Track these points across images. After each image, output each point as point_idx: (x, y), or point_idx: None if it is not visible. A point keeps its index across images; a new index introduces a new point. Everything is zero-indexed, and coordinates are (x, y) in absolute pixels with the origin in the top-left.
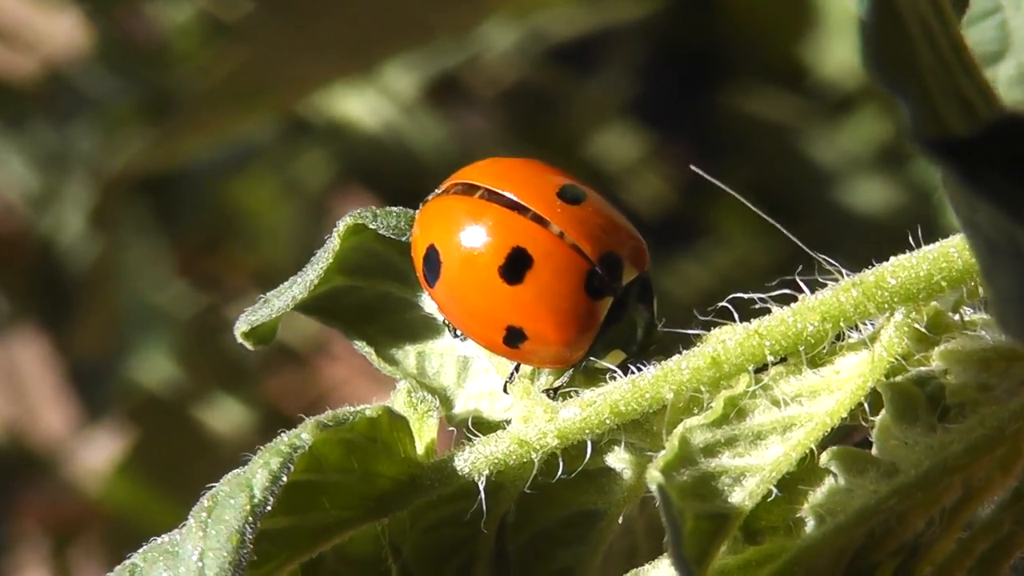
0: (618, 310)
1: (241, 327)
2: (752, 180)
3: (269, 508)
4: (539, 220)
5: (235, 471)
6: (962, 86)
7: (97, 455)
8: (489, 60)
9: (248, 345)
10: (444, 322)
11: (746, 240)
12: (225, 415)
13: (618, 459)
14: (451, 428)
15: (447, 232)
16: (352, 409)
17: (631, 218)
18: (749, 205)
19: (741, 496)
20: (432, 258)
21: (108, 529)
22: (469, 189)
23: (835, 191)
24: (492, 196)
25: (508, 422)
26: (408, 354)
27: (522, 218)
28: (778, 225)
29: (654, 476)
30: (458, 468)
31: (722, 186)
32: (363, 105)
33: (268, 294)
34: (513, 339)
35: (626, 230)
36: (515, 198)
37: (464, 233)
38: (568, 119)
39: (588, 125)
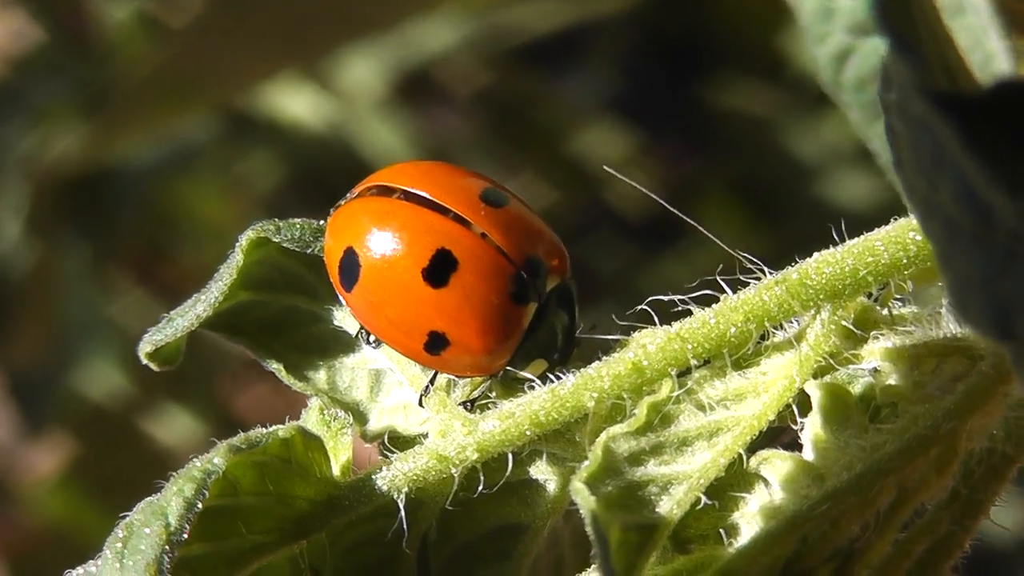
0: (540, 317)
1: (145, 348)
2: (738, 175)
3: (185, 536)
4: (462, 221)
5: (148, 499)
6: (947, 55)
7: (39, 468)
8: (464, 56)
9: (153, 366)
10: (359, 331)
11: (731, 238)
12: (173, 424)
13: (540, 471)
14: (368, 445)
15: (366, 234)
16: (264, 431)
17: (616, 219)
18: (677, 211)
19: (669, 505)
20: (349, 262)
21: (48, 547)
22: (386, 191)
23: (818, 184)
24: (411, 197)
25: (425, 436)
26: (318, 369)
27: (446, 219)
28: (701, 228)
29: (578, 488)
30: (376, 486)
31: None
32: (311, 103)
33: (172, 312)
34: (435, 346)
35: (548, 236)
36: (436, 199)
37: (385, 235)
38: (549, 117)
39: (570, 123)
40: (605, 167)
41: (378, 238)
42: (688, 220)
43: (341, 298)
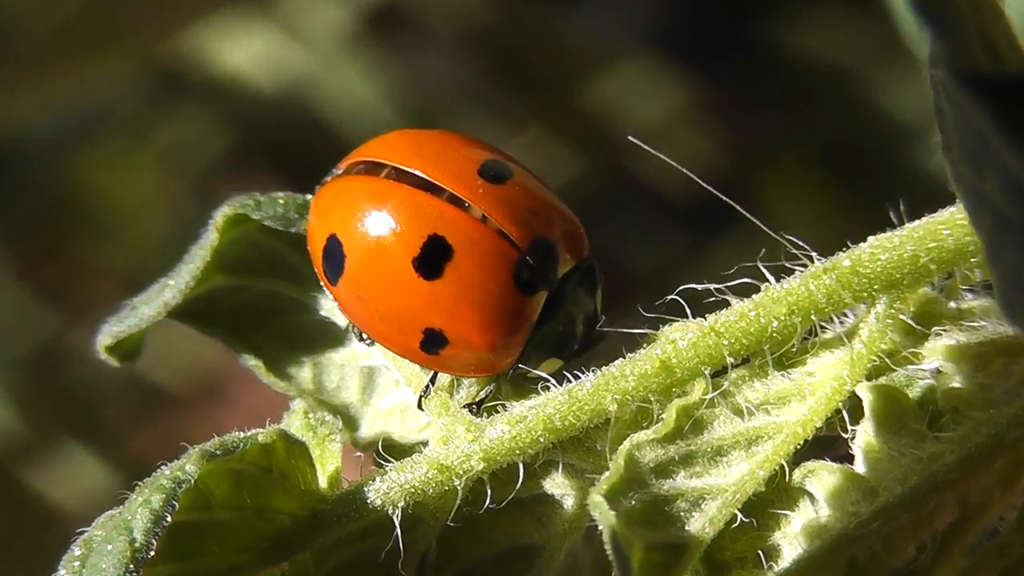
0: (553, 307)
1: (104, 340)
2: (817, 137)
3: (152, 553)
4: (458, 202)
5: (109, 512)
6: (990, 31)
7: None
8: None
9: (113, 361)
10: (348, 326)
11: (807, 219)
12: (74, 475)
13: (556, 484)
14: (358, 453)
15: (350, 219)
16: (241, 435)
17: (650, 193)
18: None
19: (700, 523)
20: (333, 251)
21: None
22: (374, 168)
23: (918, 151)
24: (402, 176)
25: (424, 444)
26: (303, 366)
27: (438, 200)
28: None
29: (597, 502)
30: (368, 500)
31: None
32: (259, 50)
33: (135, 300)
34: (431, 344)
35: (560, 211)
36: (429, 177)
37: (371, 220)
38: (563, 60)
39: (592, 68)
40: (631, 138)
41: (364, 223)
42: (733, 204)
43: (327, 291)
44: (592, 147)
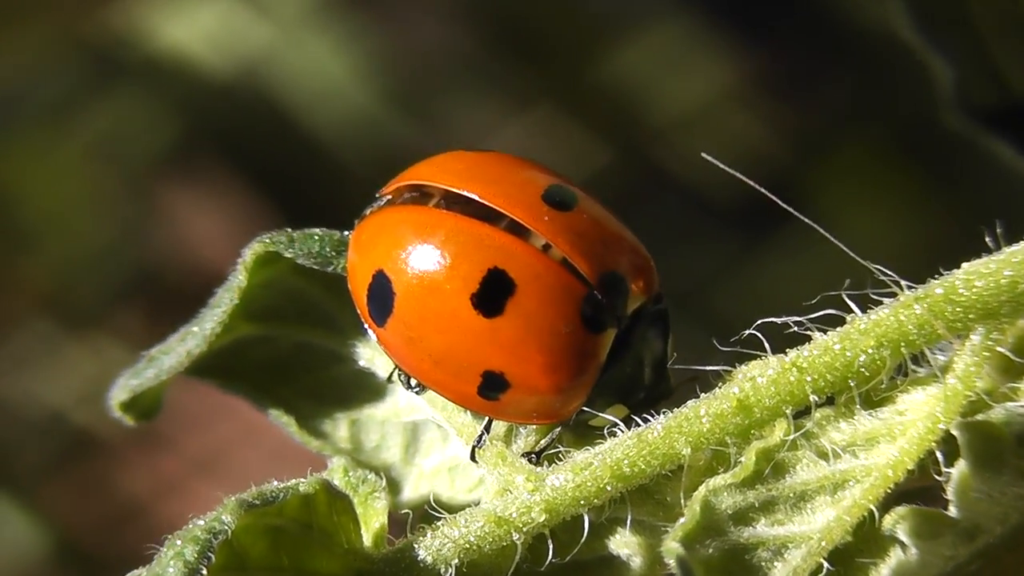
0: (621, 347)
1: (119, 395)
2: (895, 120)
3: None
4: (519, 232)
5: (136, 571)
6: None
7: None
8: None
9: (128, 420)
10: (394, 373)
11: (884, 217)
12: None
13: (623, 542)
14: (405, 510)
15: (400, 253)
16: (281, 485)
17: (687, 192)
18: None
19: (784, 572)
20: (380, 288)
21: None
22: (424, 195)
23: None
24: (456, 202)
25: (476, 504)
26: (338, 423)
27: (497, 231)
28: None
29: (671, 548)
30: (419, 558)
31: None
32: (209, 23)
33: (152, 350)
34: (491, 388)
35: (630, 243)
36: (489, 203)
37: (423, 253)
38: (578, 25)
39: (614, 34)
40: (704, 155)
41: (415, 257)
42: (798, 215)
43: (371, 333)
44: (614, 132)
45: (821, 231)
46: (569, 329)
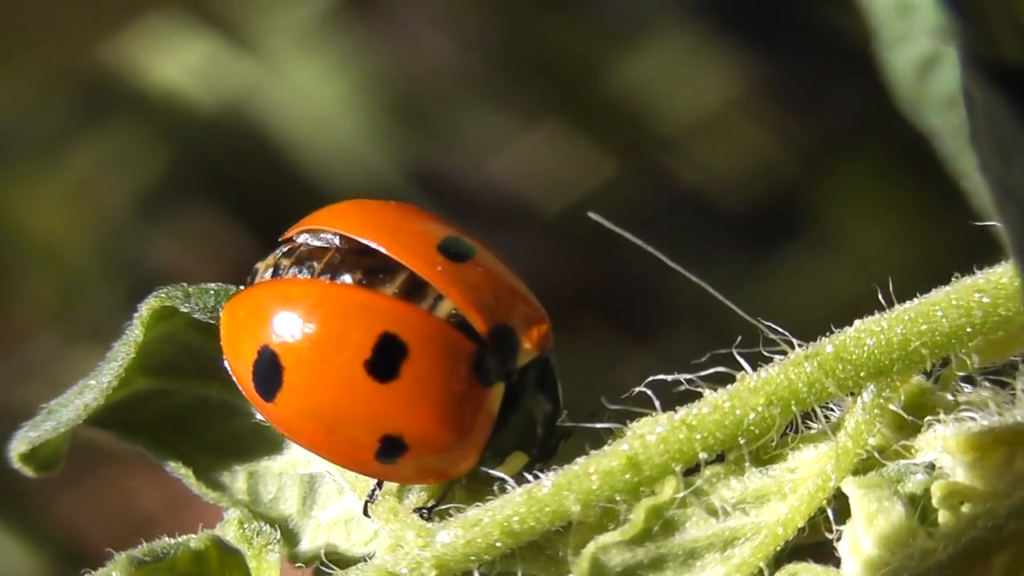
0: (513, 401)
1: (18, 447)
2: (896, 135)
3: None
4: (407, 287)
5: None
6: (1019, 12)
7: None
8: None
9: (28, 471)
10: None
11: (879, 235)
12: None
13: None
14: (299, 564)
15: (287, 327)
16: (172, 541)
17: (697, 202)
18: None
19: None
20: (267, 364)
21: None
22: (305, 256)
23: None
24: (349, 251)
25: (371, 557)
26: (236, 475)
27: (383, 296)
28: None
29: None
30: None
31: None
32: (200, 62)
33: (51, 403)
34: (389, 452)
35: (525, 299)
36: (384, 250)
37: (312, 325)
38: (586, 37)
39: (622, 45)
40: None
41: (305, 330)
42: (701, 284)
43: (257, 408)
44: (622, 144)
45: (716, 294)
46: (464, 386)
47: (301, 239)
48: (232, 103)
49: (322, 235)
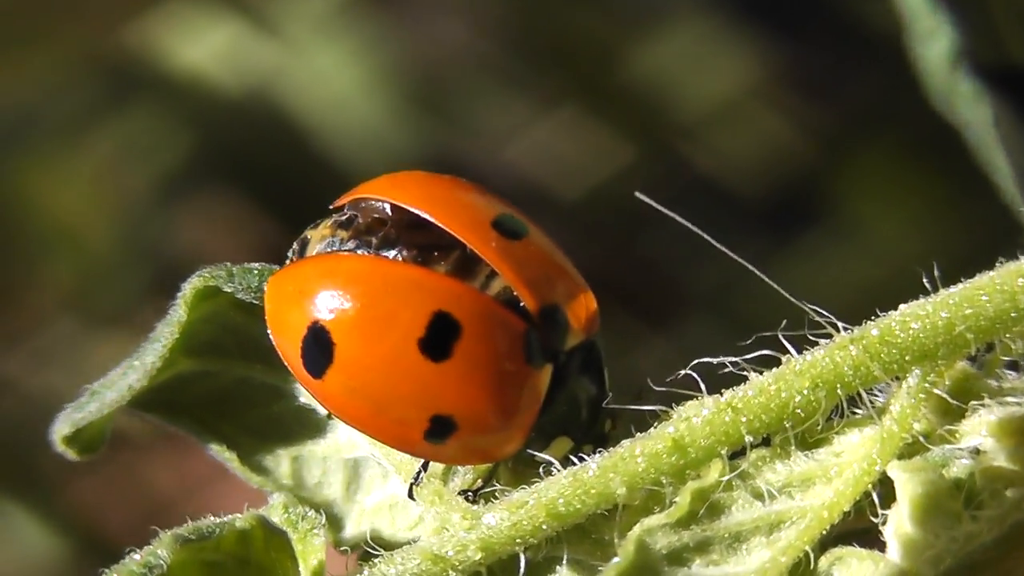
0: (560, 383)
1: (62, 429)
2: (916, 123)
3: None
4: (460, 264)
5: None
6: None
7: None
8: None
9: (71, 454)
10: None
11: (898, 223)
12: (3, 538)
13: None
14: (344, 548)
15: (340, 304)
16: (217, 520)
17: (714, 190)
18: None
19: None
20: (318, 340)
21: None
22: (359, 225)
23: None
24: (401, 224)
25: (415, 542)
26: (280, 460)
27: (437, 274)
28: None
29: None
30: None
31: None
32: (224, 46)
33: (95, 385)
34: (438, 432)
35: (575, 280)
36: (437, 223)
37: (367, 302)
38: (605, 23)
39: (641, 32)
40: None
41: (359, 307)
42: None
43: (304, 385)
44: (640, 131)
45: (757, 272)
46: (515, 366)
47: (353, 210)
48: (255, 87)
49: (375, 205)
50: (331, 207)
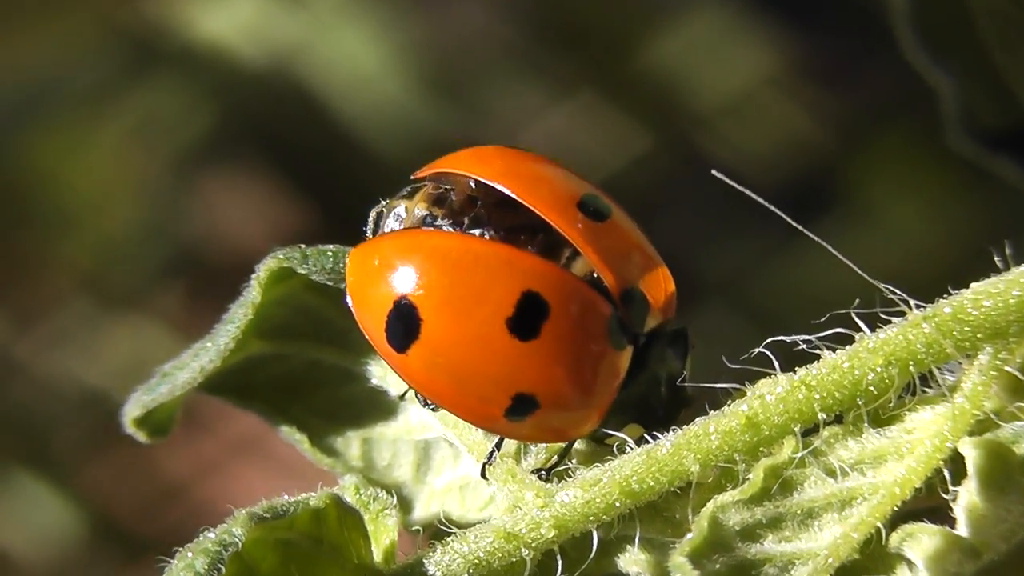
0: (638, 366)
1: (133, 411)
2: (924, 119)
3: None
4: (546, 242)
5: None
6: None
7: None
8: None
9: (141, 436)
10: (406, 394)
11: (915, 213)
12: (20, 513)
13: (632, 560)
14: (416, 528)
15: (428, 281)
16: (291, 499)
17: (730, 177)
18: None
19: None
20: (405, 316)
21: None
22: (445, 200)
23: None
24: (485, 202)
25: (487, 521)
26: (350, 442)
27: (524, 253)
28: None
29: (678, 564)
30: (429, 573)
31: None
32: (248, 17)
33: (166, 366)
34: (520, 410)
35: (656, 263)
36: (523, 201)
37: (455, 280)
38: (622, 10)
39: (658, 20)
40: None
41: (447, 284)
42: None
43: (386, 359)
44: (656, 119)
45: (831, 250)
46: (599, 347)
47: (438, 184)
48: (279, 61)
49: (459, 180)
50: (412, 178)
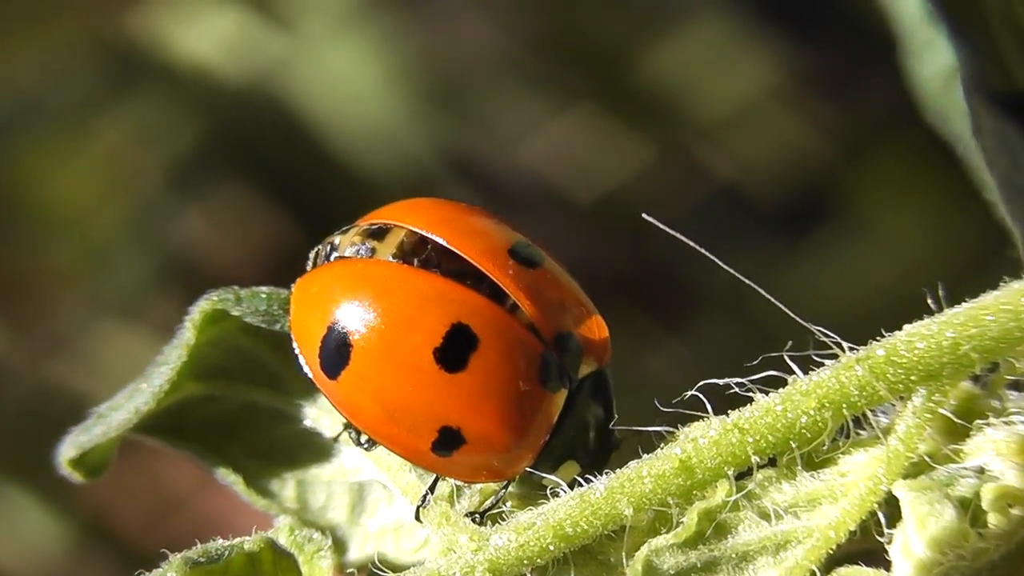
0: (571, 409)
1: (68, 452)
2: (925, 130)
3: None
4: (481, 285)
5: None
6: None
7: None
8: None
9: (76, 477)
10: (341, 434)
11: (915, 224)
12: (13, 527)
13: None
14: (350, 570)
15: (360, 307)
16: (225, 543)
17: (731, 191)
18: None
19: None
20: (336, 341)
21: None
22: (380, 242)
23: None
24: (417, 251)
25: (422, 563)
26: (285, 483)
27: (460, 286)
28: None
29: None
30: None
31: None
32: (231, 34)
33: (101, 407)
34: (446, 444)
35: (588, 310)
36: (455, 250)
37: (387, 307)
38: (623, 22)
39: (659, 32)
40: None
41: (378, 311)
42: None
43: (320, 386)
44: (657, 131)
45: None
46: (528, 387)
47: (376, 223)
48: (262, 78)
49: (396, 229)
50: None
